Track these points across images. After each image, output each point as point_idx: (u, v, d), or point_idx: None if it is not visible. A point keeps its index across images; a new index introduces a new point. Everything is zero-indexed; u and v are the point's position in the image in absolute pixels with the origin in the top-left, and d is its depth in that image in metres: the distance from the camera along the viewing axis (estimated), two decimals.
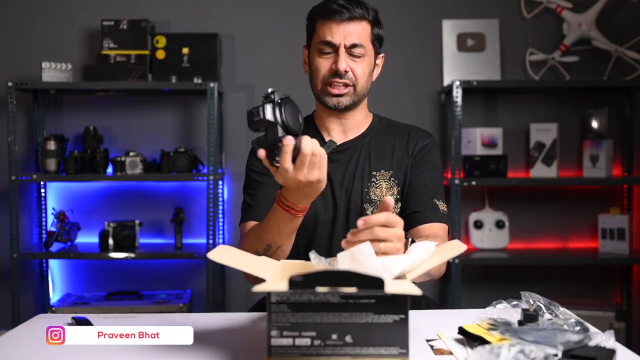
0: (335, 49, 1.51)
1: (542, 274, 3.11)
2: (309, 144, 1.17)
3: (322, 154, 1.19)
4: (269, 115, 1.17)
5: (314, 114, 1.67)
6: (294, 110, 1.20)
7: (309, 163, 1.18)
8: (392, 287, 0.97)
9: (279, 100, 1.18)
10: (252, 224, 1.55)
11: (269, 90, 1.18)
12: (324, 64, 1.53)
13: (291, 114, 1.19)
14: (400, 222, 1.15)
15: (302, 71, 1.65)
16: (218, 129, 2.92)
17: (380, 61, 1.61)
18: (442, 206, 1.57)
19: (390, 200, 1.15)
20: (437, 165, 1.63)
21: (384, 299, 0.97)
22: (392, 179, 1.58)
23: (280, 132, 1.17)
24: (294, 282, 0.96)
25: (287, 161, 1.17)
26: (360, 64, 1.53)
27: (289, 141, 1.16)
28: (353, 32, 1.50)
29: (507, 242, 3.03)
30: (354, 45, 1.50)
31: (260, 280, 1.05)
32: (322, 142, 1.61)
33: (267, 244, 1.38)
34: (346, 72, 1.50)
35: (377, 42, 1.57)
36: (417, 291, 0.97)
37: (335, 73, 1.51)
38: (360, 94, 1.55)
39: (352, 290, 0.97)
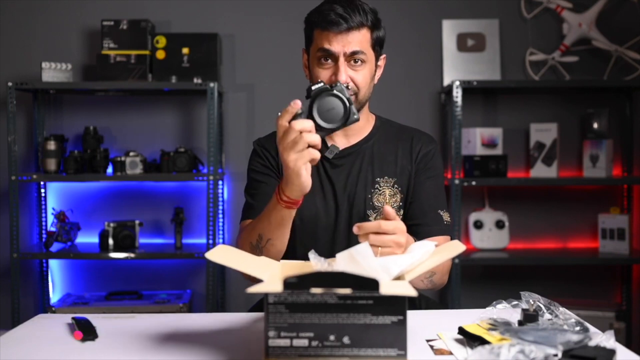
0: (334, 58, 1.47)
1: (542, 274, 3.11)
2: (300, 123, 1.21)
3: (308, 139, 1.21)
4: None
5: None
6: (329, 105, 1.30)
7: (290, 140, 1.21)
8: (387, 288, 0.96)
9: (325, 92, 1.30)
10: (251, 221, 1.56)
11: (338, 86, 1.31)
12: (324, 75, 1.49)
13: (325, 107, 1.30)
14: (400, 229, 1.18)
15: (303, 71, 1.65)
16: (218, 129, 2.92)
17: (381, 62, 1.58)
18: (445, 217, 1.57)
19: (389, 209, 1.20)
20: (440, 172, 1.62)
21: (382, 300, 0.97)
22: (395, 185, 1.57)
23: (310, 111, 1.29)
24: (288, 283, 0.96)
25: (283, 118, 1.24)
26: (361, 72, 1.49)
27: (297, 104, 1.23)
28: (352, 40, 1.46)
29: (507, 242, 3.02)
30: (354, 53, 1.46)
31: (258, 280, 1.05)
32: (325, 147, 1.59)
33: (258, 234, 1.40)
34: (347, 83, 1.47)
35: (378, 45, 1.53)
36: (412, 292, 0.96)
37: None
38: (363, 101, 1.53)
39: (346, 291, 0.97)
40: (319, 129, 1.27)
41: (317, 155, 1.23)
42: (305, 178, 1.24)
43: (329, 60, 1.48)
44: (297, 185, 1.26)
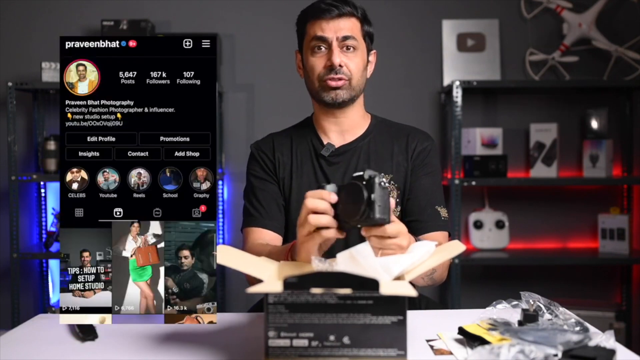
0: (327, 44, 1.52)
1: (542, 274, 3.11)
2: (313, 202, 1.12)
3: (313, 221, 1.12)
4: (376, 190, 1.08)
5: (312, 117, 1.67)
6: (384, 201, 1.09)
7: (302, 216, 1.14)
8: (387, 289, 0.96)
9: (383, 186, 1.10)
10: (255, 230, 1.56)
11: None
12: (318, 62, 1.53)
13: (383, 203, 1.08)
14: (402, 232, 1.14)
15: None
16: (218, 129, 2.92)
17: (372, 58, 1.62)
18: (443, 213, 1.57)
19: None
20: (436, 169, 1.62)
21: (381, 300, 0.97)
22: (392, 182, 1.57)
23: (365, 194, 1.07)
24: (288, 283, 0.96)
25: (309, 196, 1.15)
26: (354, 59, 1.53)
27: (331, 189, 1.13)
28: (344, 27, 1.52)
29: (507, 242, 3.02)
30: (345, 38, 1.52)
31: (259, 281, 1.04)
32: (320, 145, 1.61)
33: None
34: (341, 66, 1.51)
35: (368, 38, 1.59)
36: (412, 292, 0.96)
37: (331, 68, 1.51)
38: (356, 88, 1.55)
39: (346, 291, 0.97)
40: (336, 217, 1.13)
41: (327, 235, 1.13)
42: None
43: (322, 48, 1.53)
44: (307, 261, 1.19)
